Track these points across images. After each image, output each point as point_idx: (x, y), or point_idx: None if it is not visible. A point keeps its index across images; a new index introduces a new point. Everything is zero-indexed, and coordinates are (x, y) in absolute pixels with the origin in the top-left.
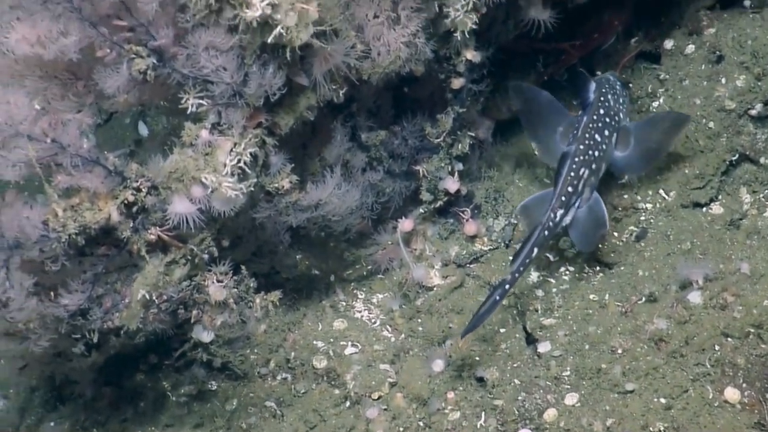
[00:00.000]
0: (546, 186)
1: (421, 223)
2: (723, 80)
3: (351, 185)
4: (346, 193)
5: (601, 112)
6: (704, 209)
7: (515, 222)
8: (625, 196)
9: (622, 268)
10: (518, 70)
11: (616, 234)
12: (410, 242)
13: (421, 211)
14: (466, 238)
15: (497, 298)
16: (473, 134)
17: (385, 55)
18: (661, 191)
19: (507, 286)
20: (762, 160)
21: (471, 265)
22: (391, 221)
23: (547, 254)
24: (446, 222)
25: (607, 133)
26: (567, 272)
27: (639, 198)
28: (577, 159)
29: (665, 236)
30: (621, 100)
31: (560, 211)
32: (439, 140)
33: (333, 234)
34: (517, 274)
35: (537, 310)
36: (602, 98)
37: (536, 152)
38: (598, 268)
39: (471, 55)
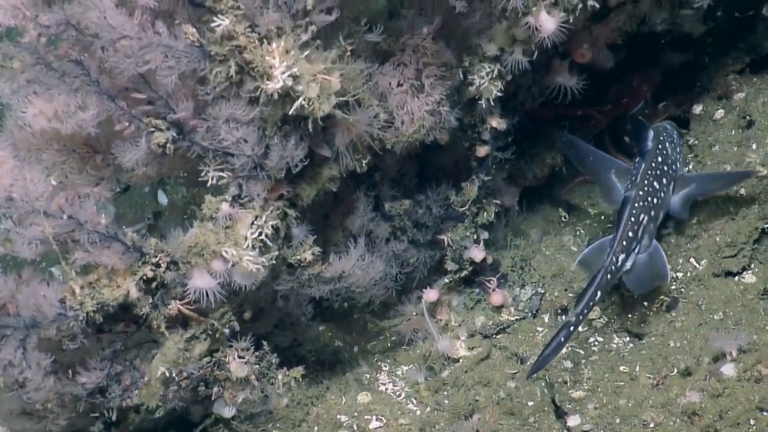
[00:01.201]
0: (574, 255)
1: (446, 293)
2: (754, 146)
3: (375, 256)
4: (369, 265)
5: (659, 159)
6: (736, 278)
7: (542, 291)
8: None
9: (653, 338)
10: (544, 136)
11: (646, 303)
12: (435, 313)
13: (446, 281)
14: (492, 308)
15: (562, 339)
16: (499, 202)
17: (409, 123)
18: (692, 260)
19: (572, 328)
20: None
21: (497, 336)
22: (415, 291)
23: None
24: (472, 292)
25: (665, 181)
26: (596, 343)
27: (669, 266)
28: (637, 204)
29: (697, 306)
30: (678, 150)
31: (621, 256)
32: (464, 209)
33: (356, 305)
34: (581, 316)
35: (566, 382)
36: (660, 146)
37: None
38: (628, 338)
39: (496, 122)
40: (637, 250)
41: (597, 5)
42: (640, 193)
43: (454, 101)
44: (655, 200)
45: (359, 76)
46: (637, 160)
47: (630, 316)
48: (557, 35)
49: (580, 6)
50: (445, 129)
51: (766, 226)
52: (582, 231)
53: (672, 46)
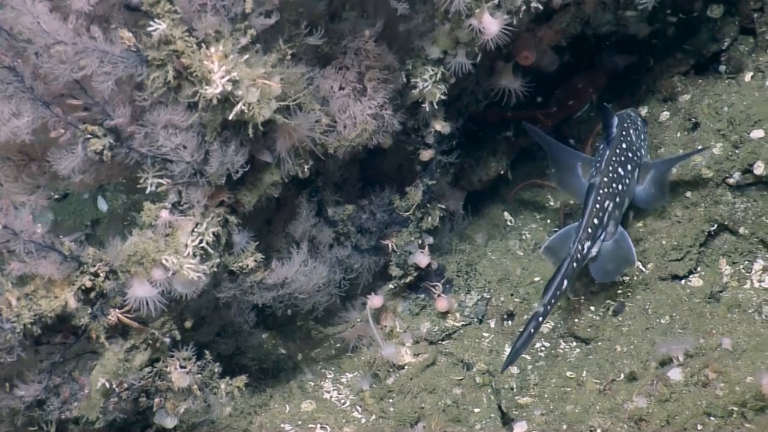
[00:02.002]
0: (520, 260)
1: (390, 299)
2: (699, 147)
3: (318, 262)
4: (312, 271)
5: (624, 146)
6: (683, 282)
7: (488, 296)
8: None
9: (600, 343)
10: (489, 140)
11: (592, 308)
12: (380, 319)
13: (391, 286)
14: (438, 313)
15: (531, 331)
16: (444, 206)
17: (351, 128)
18: (638, 264)
19: (540, 318)
20: (741, 230)
21: (443, 342)
22: (360, 298)
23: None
24: (417, 297)
25: (629, 167)
26: (543, 348)
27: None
28: (602, 191)
29: (643, 310)
30: (642, 137)
31: (587, 243)
32: (408, 213)
33: (300, 312)
34: (549, 306)
35: (512, 389)
36: (624, 133)
37: (556, 185)
38: (574, 343)
39: (440, 126)
40: (602, 237)
41: (540, 7)
42: (605, 179)
43: (397, 105)
44: (620, 187)
45: (300, 80)
46: (601, 147)
47: (577, 320)
48: (501, 38)
49: (524, 8)
50: (388, 133)
51: (712, 229)
52: (528, 235)
53: (617, 48)
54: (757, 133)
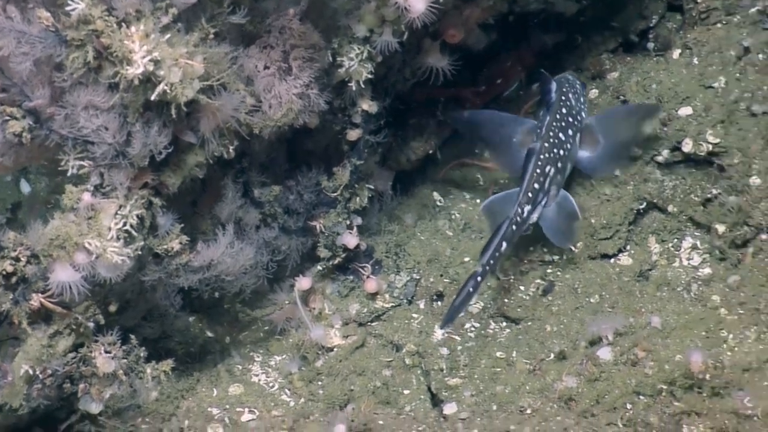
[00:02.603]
0: (449, 240)
1: (319, 281)
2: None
3: (244, 244)
4: (239, 252)
5: (564, 111)
6: (612, 260)
7: (417, 277)
8: (531, 248)
9: (530, 323)
10: (418, 119)
11: (522, 287)
12: (308, 301)
13: (319, 268)
14: (367, 295)
15: (470, 290)
16: (372, 186)
17: (277, 107)
18: (570, 246)
19: (479, 278)
20: (670, 208)
21: (372, 324)
22: (288, 279)
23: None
24: (346, 279)
25: (570, 132)
26: (473, 329)
27: (545, 250)
28: (542, 156)
29: (573, 289)
30: (582, 100)
31: (527, 207)
32: (336, 194)
33: (227, 295)
34: (487, 267)
35: (442, 370)
36: (563, 97)
37: (497, 164)
38: (504, 323)
39: (367, 105)
40: (544, 202)
41: None
42: (546, 144)
43: (323, 84)
44: (561, 152)
45: (224, 59)
46: (541, 112)
47: (507, 300)
48: (427, 15)
49: None
50: (314, 113)
51: (641, 207)
52: (457, 215)
53: (545, 26)
54: (685, 111)
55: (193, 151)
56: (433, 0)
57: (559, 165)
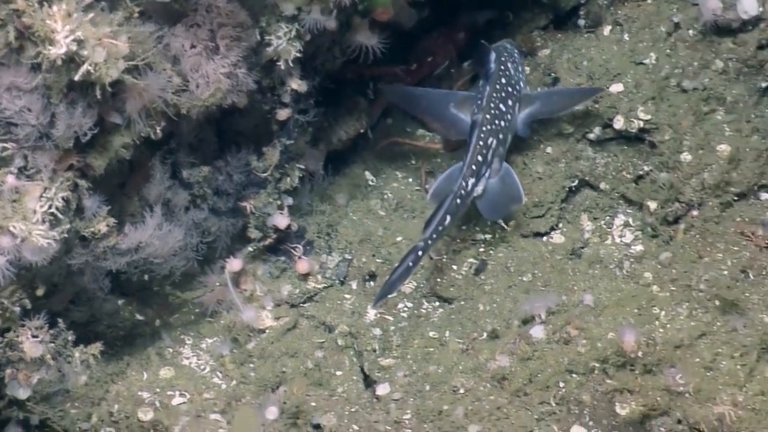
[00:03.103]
0: (381, 220)
1: (250, 262)
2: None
3: (173, 225)
4: (167, 234)
5: (503, 81)
6: (545, 238)
7: (349, 258)
8: (463, 227)
9: (462, 302)
10: (348, 98)
11: (455, 267)
12: (240, 283)
13: (250, 249)
14: (299, 276)
15: (410, 264)
16: (303, 166)
17: (204, 87)
18: (500, 221)
19: (420, 252)
20: (602, 186)
21: (305, 305)
22: (218, 261)
23: None
24: (277, 260)
25: (510, 102)
26: (405, 309)
27: (477, 229)
28: (485, 128)
29: (506, 268)
30: (521, 69)
31: (471, 180)
32: (266, 174)
33: (156, 277)
34: (430, 241)
35: (375, 350)
36: (503, 67)
37: (438, 131)
38: (437, 303)
39: (296, 84)
40: (487, 174)
41: None
42: (487, 116)
43: (251, 63)
44: (502, 123)
45: (149, 38)
46: (480, 83)
47: (439, 280)
48: None
49: None
50: (243, 92)
51: (573, 185)
52: (389, 195)
53: (476, 4)
54: (616, 87)
55: (119, 132)
56: None
57: (501, 136)
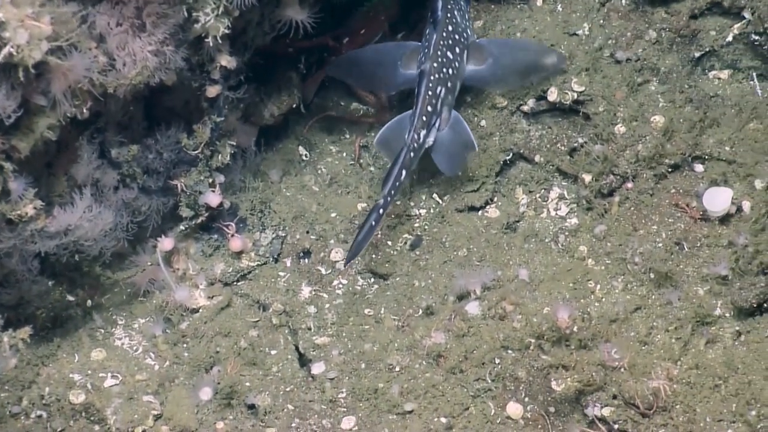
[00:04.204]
0: (315, 195)
1: (182, 241)
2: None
3: (103, 207)
4: (97, 216)
5: (450, 29)
6: (480, 213)
7: (283, 235)
8: (398, 202)
9: (398, 278)
10: (280, 73)
11: (390, 243)
12: (172, 262)
13: (182, 228)
14: (232, 254)
15: (373, 223)
16: (234, 143)
17: (131, 66)
18: (435, 196)
19: (381, 210)
20: (537, 158)
21: (238, 283)
22: (150, 240)
23: (319, 267)
24: (210, 238)
25: (458, 50)
26: (340, 286)
27: (412, 204)
28: (433, 77)
29: (441, 243)
30: (467, 16)
31: (422, 132)
32: (197, 152)
33: (86, 258)
34: (389, 198)
35: (309, 329)
36: (449, 15)
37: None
38: (372, 279)
39: (226, 61)
40: (437, 124)
41: None
42: (435, 65)
43: (179, 40)
44: (450, 71)
45: (73, 18)
46: (427, 31)
47: (374, 256)
48: None
49: None
50: (171, 70)
51: (507, 158)
52: (323, 169)
53: None
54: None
55: (45, 113)
56: None
57: (449, 84)
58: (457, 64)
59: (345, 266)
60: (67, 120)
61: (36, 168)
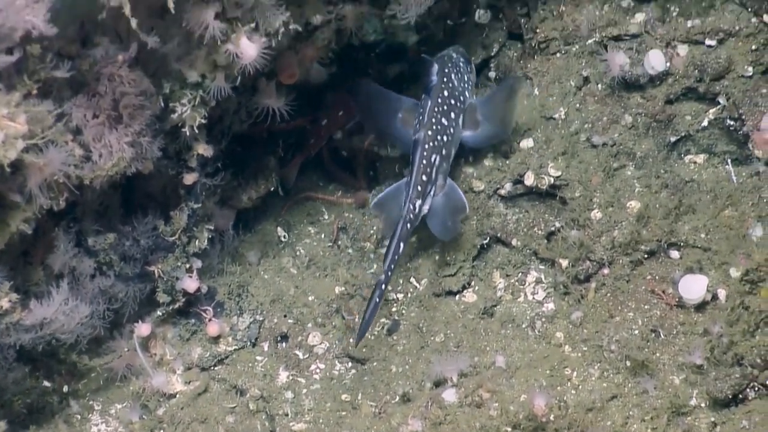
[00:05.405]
0: (293, 278)
1: (159, 326)
2: (470, 158)
3: (79, 300)
4: (74, 309)
5: (446, 94)
6: (457, 297)
7: (261, 319)
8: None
9: (375, 363)
10: (257, 157)
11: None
12: (149, 347)
13: (159, 313)
14: (210, 338)
15: (377, 300)
16: (212, 227)
17: (108, 157)
18: (412, 279)
19: (383, 286)
20: (514, 242)
21: (216, 368)
22: (128, 325)
23: (296, 351)
24: (187, 323)
25: (453, 115)
26: (318, 370)
27: (390, 288)
28: (427, 146)
29: (418, 328)
30: (465, 78)
31: (418, 202)
32: (174, 238)
33: (63, 345)
34: (389, 272)
35: (287, 414)
36: (445, 79)
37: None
38: (350, 364)
39: (202, 149)
40: (432, 192)
41: (299, 28)
42: (429, 133)
43: (156, 130)
44: (445, 138)
45: (49, 116)
46: (423, 97)
47: (352, 340)
48: (260, 61)
49: (282, 30)
50: (147, 159)
51: (485, 242)
52: (302, 251)
53: (386, 56)
54: (527, 143)
55: (20, 208)
56: (265, 45)
57: (444, 152)
58: (452, 130)
59: (356, 345)
60: (43, 212)
61: (12, 258)
